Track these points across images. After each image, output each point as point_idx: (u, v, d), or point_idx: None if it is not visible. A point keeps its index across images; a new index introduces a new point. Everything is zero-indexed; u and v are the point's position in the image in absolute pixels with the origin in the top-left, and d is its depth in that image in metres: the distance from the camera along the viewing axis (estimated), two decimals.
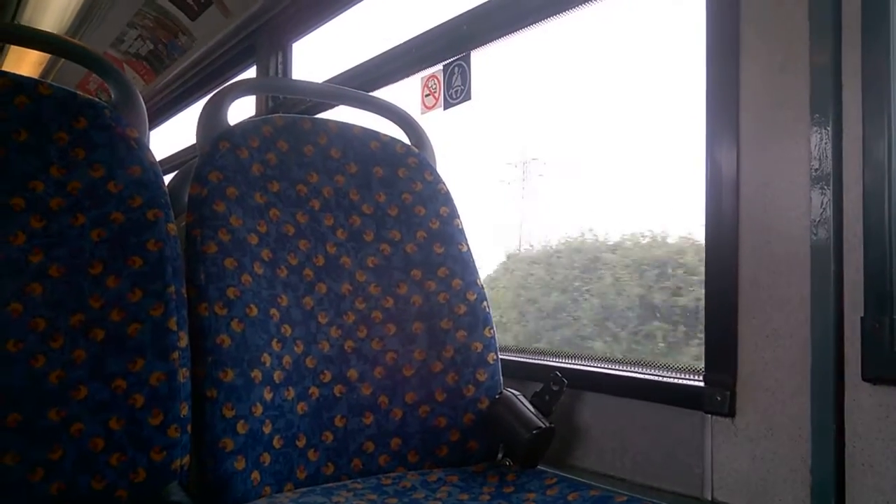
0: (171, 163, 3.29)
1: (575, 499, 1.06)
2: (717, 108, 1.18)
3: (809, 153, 1.04)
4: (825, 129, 1.02)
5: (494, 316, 1.39)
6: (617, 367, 1.42)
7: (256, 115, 2.50)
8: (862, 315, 0.98)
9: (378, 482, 1.18)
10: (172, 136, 3.66)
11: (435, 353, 1.31)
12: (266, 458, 1.10)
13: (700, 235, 1.24)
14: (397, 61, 2.02)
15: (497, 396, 1.30)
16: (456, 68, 1.80)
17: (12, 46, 3.57)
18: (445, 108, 1.82)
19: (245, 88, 1.43)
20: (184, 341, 1.06)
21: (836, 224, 1.01)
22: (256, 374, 1.10)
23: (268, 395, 1.11)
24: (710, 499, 1.16)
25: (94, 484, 0.99)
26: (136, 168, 1.11)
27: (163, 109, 3.56)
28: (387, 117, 1.53)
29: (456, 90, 1.80)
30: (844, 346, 1.00)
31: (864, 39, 0.99)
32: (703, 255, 1.21)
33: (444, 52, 1.83)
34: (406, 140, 1.49)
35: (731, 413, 1.13)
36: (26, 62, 3.82)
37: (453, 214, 1.41)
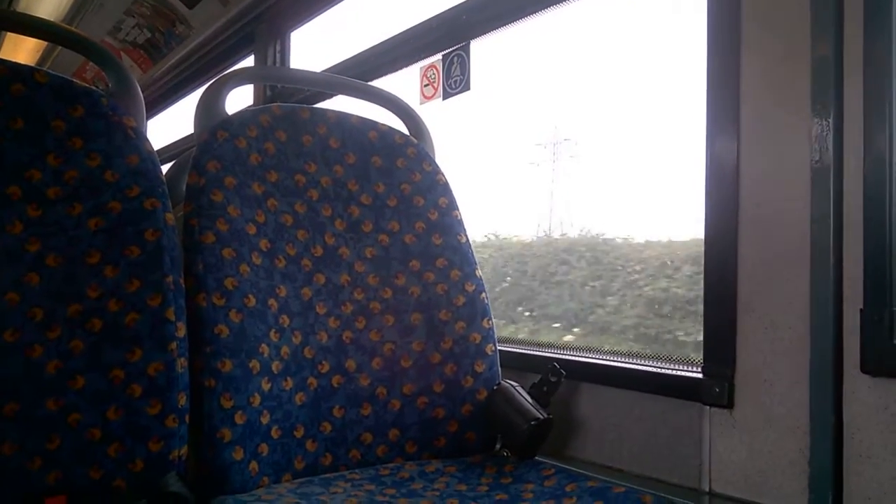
0: (168, 152, 3.28)
1: (573, 489, 1.06)
2: (717, 99, 1.17)
3: (810, 145, 1.04)
4: (826, 121, 1.02)
5: None
6: (615, 359, 1.42)
7: (255, 105, 2.49)
8: (861, 307, 0.98)
9: (376, 473, 1.18)
10: (170, 126, 3.65)
11: (433, 345, 1.31)
12: (264, 449, 1.10)
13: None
14: (396, 51, 2.01)
15: (495, 387, 1.31)
16: (455, 58, 1.79)
17: (8, 34, 3.55)
18: (444, 98, 1.82)
19: (243, 77, 1.42)
20: (182, 331, 1.05)
21: (836, 216, 1.01)
22: (255, 365, 1.10)
23: (266, 386, 1.11)
24: (707, 490, 1.16)
25: (92, 474, 0.98)
26: (133, 157, 1.11)
27: (160, 98, 3.54)
28: (385, 107, 1.52)
29: (455, 80, 1.79)
30: (843, 338, 1.00)
31: (865, 31, 0.98)
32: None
33: (444, 42, 1.82)
34: (405, 130, 1.49)
35: (729, 404, 1.13)
36: (23, 50, 3.80)
37: (452, 205, 1.40)
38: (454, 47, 1.79)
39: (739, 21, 1.14)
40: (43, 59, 3.82)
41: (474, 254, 1.39)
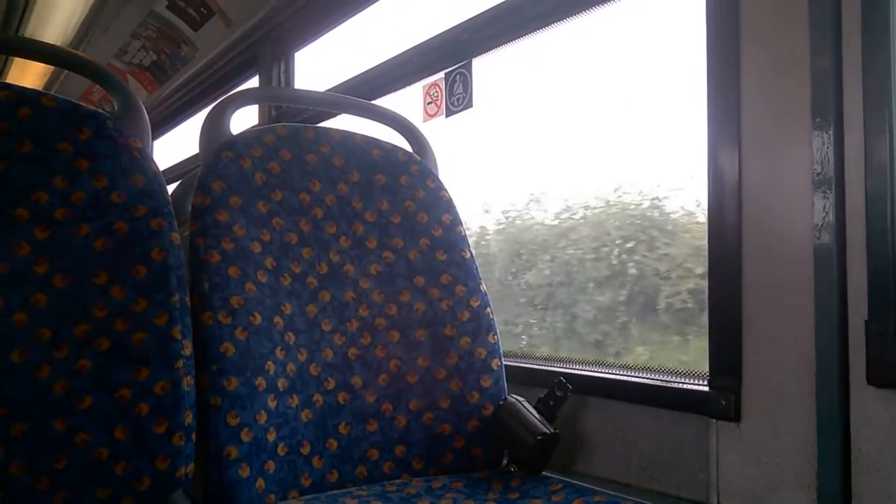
0: (174, 172, 3.30)
1: None
2: (718, 113, 1.18)
3: (811, 157, 1.04)
4: (827, 133, 1.02)
5: None
6: (621, 372, 1.42)
7: (259, 125, 2.51)
8: (866, 318, 0.98)
9: (383, 489, 1.18)
10: (176, 146, 3.67)
11: (439, 360, 1.31)
12: (271, 466, 1.10)
13: None
14: (399, 70, 2.03)
15: (501, 403, 1.30)
16: (458, 76, 1.81)
17: (16, 59, 3.59)
18: (447, 116, 1.83)
19: (247, 98, 1.44)
20: (188, 350, 1.06)
21: (838, 228, 1.01)
22: (260, 382, 1.10)
23: (272, 403, 1.12)
24: None
25: (100, 493, 0.99)
26: (139, 178, 1.12)
27: (166, 119, 3.57)
28: (389, 125, 1.53)
29: (458, 98, 1.80)
30: (849, 350, 1.00)
31: (864, 43, 0.99)
32: None
33: (446, 61, 1.84)
34: (408, 148, 1.50)
35: (736, 417, 1.13)
36: (30, 74, 3.84)
37: (456, 221, 1.41)
38: (456, 66, 1.81)
39: (738, 34, 1.14)
40: (50, 83, 3.86)
41: (478, 269, 1.40)
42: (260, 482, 1.08)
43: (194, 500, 1.02)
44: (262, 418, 1.09)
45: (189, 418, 1.03)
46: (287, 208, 1.28)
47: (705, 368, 1.22)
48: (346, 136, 1.41)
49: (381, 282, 1.33)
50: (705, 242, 1.21)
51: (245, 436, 1.06)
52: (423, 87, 1.91)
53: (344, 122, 1.68)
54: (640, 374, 1.38)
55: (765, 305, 1.10)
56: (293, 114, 2.46)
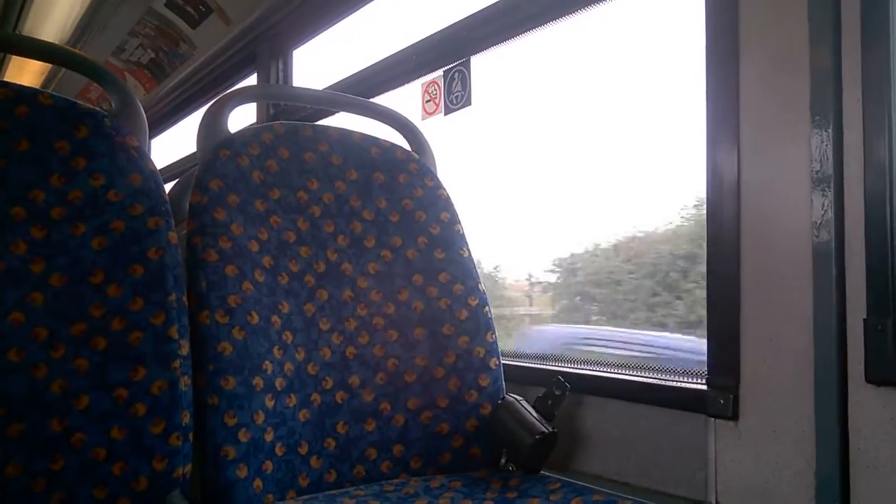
0: (171, 171, 3.30)
1: None
2: (717, 111, 1.17)
3: (810, 155, 1.04)
4: (826, 130, 1.02)
5: None
6: (619, 371, 1.41)
7: (257, 123, 2.51)
8: (864, 317, 0.98)
9: (380, 489, 1.18)
10: (174, 145, 3.67)
11: (437, 359, 1.31)
12: (268, 466, 1.10)
13: None
14: (397, 67, 2.02)
15: (499, 402, 1.30)
16: (456, 74, 1.80)
17: (14, 56, 3.59)
18: (446, 114, 1.83)
19: (245, 96, 1.43)
20: (185, 349, 1.06)
21: (837, 226, 1.01)
22: (258, 382, 1.10)
23: (269, 403, 1.11)
24: (714, 502, 1.16)
25: (97, 493, 0.98)
26: (136, 176, 1.11)
27: (164, 118, 3.56)
28: (387, 123, 1.53)
29: (456, 95, 1.80)
30: (847, 348, 1.00)
31: (863, 41, 0.99)
32: None
33: (445, 58, 1.83)
34: (407, 146, 1.49)
35: (734, 416, 1.13)
36: (28, 72, 3.83)
37: (454, 220, 1.41)
38: (455, 63, 1.80)
39: (737, 32, 1.14)
40: (48, 81, 3.85)
41: (476, 268, 1.39)
42: (258, 482, 1.07)
43: (192, 501, 1.02)
44: (260, 418, 1.09)
45: (186, 418, 1.03)
46: (285, 207, 1.27)
47: None
48: (345, 134, 1.40)
49: (379, 280, 1.33)
50: None
51: (242, 436, 1.06)
52: (422, 84, 1.91)
53: (342, 121, 1.68)
54: (639, 373, 1.38)
55: (763, 304, 1.10)
56: (291, 112, 2.46)
